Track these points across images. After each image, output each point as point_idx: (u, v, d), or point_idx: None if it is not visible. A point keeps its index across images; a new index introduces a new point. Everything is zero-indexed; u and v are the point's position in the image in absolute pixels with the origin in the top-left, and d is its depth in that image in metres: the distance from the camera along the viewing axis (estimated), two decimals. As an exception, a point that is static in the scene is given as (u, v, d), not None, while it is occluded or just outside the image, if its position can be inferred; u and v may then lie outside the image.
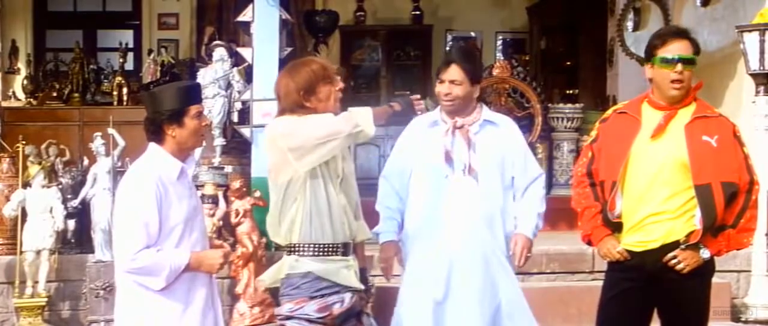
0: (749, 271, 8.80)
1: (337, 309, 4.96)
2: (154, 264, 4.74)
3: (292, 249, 4.96)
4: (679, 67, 5.26)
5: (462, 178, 5.56)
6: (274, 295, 8.15)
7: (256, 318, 8.14)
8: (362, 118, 4.88)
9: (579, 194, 5.65)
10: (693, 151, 5.19)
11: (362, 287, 5.11)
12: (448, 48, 16.97)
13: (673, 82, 5.28)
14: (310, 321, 4.93)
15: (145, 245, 4.73)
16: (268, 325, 8.07)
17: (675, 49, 5.30)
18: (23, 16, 15.49)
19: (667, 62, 5.29)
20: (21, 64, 14.90)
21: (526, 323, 5.71)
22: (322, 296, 4.94)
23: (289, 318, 4.98)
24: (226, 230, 8.52)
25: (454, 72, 5.56)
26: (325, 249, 4.96)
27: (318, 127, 4.87)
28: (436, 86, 5.70)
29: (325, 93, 5.01)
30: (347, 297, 4.99)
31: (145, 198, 4.76)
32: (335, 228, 4.97)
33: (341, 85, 5.10)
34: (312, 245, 4.94)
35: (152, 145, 4.96)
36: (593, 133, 5.70)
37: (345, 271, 5.01)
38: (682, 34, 5.42)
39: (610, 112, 5.76)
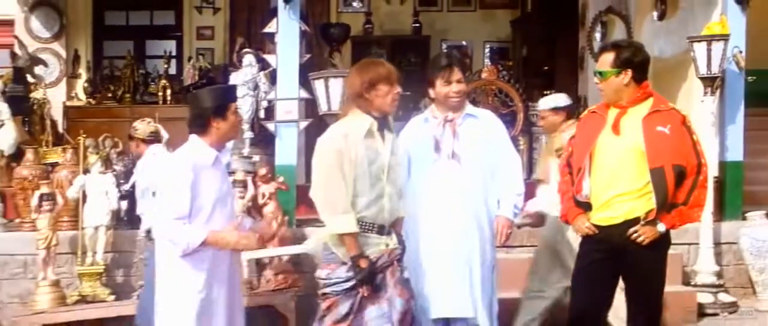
0: (697, 244, 8.87)
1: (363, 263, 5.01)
2: (176, 237, 4.87)
3: None
4: (596, 79, 5.53)
5: (447, 162, 5.62)
6: (294, 265, 8.23)
7: (280, 283, 8.14)
8: (341, 223, 4.95)
9: (560, 182, 5.74)
10: (648, 140, 5.25)
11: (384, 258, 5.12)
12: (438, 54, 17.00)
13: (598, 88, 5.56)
14: (340, 281, 5.02)
15: (175, 218, 4.82)
16: (290, 289, 8.07)
17: (597, 63, 5.59)
18: (84, 29, 15.49)
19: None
20: (82, 70, 14.91)
21: (490, 284, 5.73)
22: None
23: (325, 282, 5.08)
24: (254, 210, 8.52)
25: (458, 73, 5.66)
26: (363, 226, 5.02)
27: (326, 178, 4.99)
28: (440, 87, 5.70)
29: (384, 91, 5.09)
30: (373, 256, 5.04)
31: (178, 179, 4.84)
32: (376, 212, 5.05)
33: (399, 90, 5.13)
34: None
35: (193, 136, 5.02)
36: (572, 131, 5.81)
37: (374, 247, 5.06)
38: (605, 48, 5.68)
39: (586, 112, 5.89)
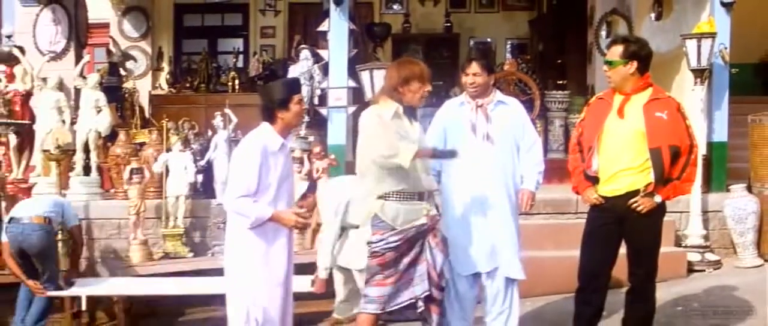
0: (688, 212, 8.86)
1: (410, 234, 5.09)
2: (245, 211, 4.87)
3: (381, 195, 5.07)
4: (605, 67, 5.47)
5: (482, 143, 5.58)
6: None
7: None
8: (401, 157, 4.91)
9: (572, 159, 5.74)
10: (648, 124, 5.24)
11: (426, 223, 5.16)
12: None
13: (606, 76, 5.52)
14: (390, 245, 5.07)
15: (244, 194, 4.83)
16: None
17: (607, 54, 5.54)
18: (167, 29, 15.63)
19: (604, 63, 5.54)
20: (165, 64, 15.03)
21: (514, 250, 5.69)
22: (402, 228, 5.06)
23: (377, 246, 5.10)
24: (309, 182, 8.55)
25: (475, 67, 5.61)
26: (405, 196, 5.07)
27: (376, 144, 4.99)
28: (462, 77, 5.71)
29: (416, 88, 5.09)
30: (417, 225, 5.10)
31: (249, 160, 4.85)
32: (413, 183, 5.08)
33: (429, 87, 5.13)
34: (395, 192, 5.05)
35: (264, 124, 5.02)
36: (582, 114, 5.80)
37: (416, 211, 5.11)
38: (615, 41, 5.59)
39: (593, 98, 5.84)
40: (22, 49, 10.44)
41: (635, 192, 5.30)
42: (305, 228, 5.51)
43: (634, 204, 5.29)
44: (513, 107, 5.77)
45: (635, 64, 5.36)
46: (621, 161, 5.35)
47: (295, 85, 5.23)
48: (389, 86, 5.15)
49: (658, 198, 5.30)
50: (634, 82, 5.39)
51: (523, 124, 5.76)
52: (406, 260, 5.13)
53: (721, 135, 9.44)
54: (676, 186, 5.33)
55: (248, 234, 4.94)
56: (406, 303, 5.19)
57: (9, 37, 10.81)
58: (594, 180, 5.53)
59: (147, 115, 12.57)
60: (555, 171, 9.15)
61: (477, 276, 5.66)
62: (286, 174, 5.08)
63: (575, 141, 5.73)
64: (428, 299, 5.20)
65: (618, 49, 5.40)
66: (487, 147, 5.60)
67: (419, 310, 5.23)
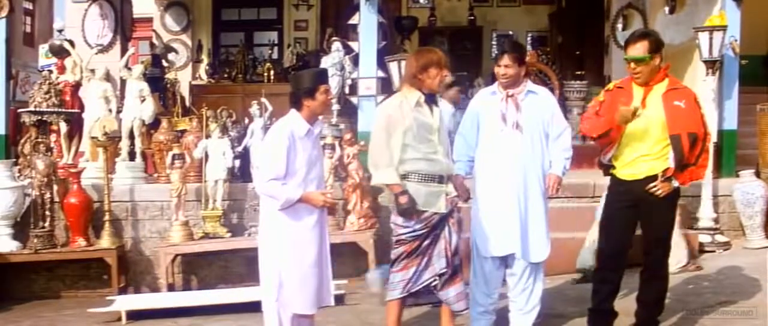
0: (700, 196, 8.80)
1: (434, 221, 5.16)
2: (275, 193, 4.91)
3: (404, 176, 5.12)
4: (632, 64, 5.31)
5: (512, 131, 5.54)
6: (373, 211, 8.28)
7: (362, 226, 8.21)
8: (381, 175, 5.12)
9: (588, 122, 5.61)
10: (668, 113, 5.21)
11: (446, 210, 5.21)
12: (493, 42, 17.00)
13: (632, 73, 5.36)
14: (417, 234, 5.16)
15: (274, 177, 4.87)
16: (370, 230, 8.15)
17: (630, 51, 5.35)
18: (206, 23, 15.71)
19: (626, 60, 5.38)
20: (204, 56, 15.11)
21: (543, 231, 5.67)
22: (427, 215, 5.13)
23: (400, 230, 5.18)
24: (340, 167, 8.58)
25: (507, 59, 5.56)
26: (425, 177, 5.13)
27: (374, 139, 5.16)
28: (495, 68, 5.66)
29: (434, 74, 5.14)
30: (440, 213, 5.16)
31: (277, 146, 4.88)
32: (432, 166, 5.14)
33: (447, 73, 5.16)
34: (417, 174, 5.12)
35: (292, 111, 5.04)
36: (600, 97, 5.65)
37: (436, 194, 5.16)
38: (638, 37, 5.39)
39: (612, 85, 5.72)
40: (71, 43, 10.54)
41: (653, 177, 5.26)
42: (334, 208, 5.51)
43: (653, 188, 5.24)
44: (543, 96, 5.70)
45: (659, 57, 5.30)
46: (641, 148, 5.31)
47: (322, 76, 5.24)
48: (410, 74, 5.20)
49: (675, 183, 5.27)
50: (656, 73, 5.33)
51: (553, 113, 5.68)
52: (427, 241, 5.18)
53: (731, 123, 9.41)
54: (692, 171, 5.31)
55: (280, 214, 4.96)
56: (428, 282, 5.22)
57: (60, 31, 10.93)
58: (607, 167, 5.51)
59: (188, 104, 12.65)
60: (573, 158, 9.08)
61: (503, 256, 5.65)
62: (315, 158, 5.09)
63: (593, 112, 5.61)
64: (441, 275, 5.25)
65: (644, 45, 5.27)
66: (517, 135, 5.55)
67: (434, 284, 5.25)
